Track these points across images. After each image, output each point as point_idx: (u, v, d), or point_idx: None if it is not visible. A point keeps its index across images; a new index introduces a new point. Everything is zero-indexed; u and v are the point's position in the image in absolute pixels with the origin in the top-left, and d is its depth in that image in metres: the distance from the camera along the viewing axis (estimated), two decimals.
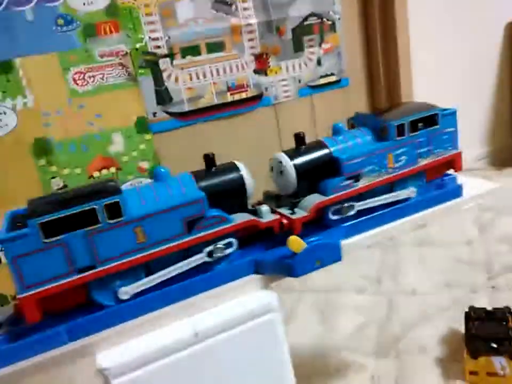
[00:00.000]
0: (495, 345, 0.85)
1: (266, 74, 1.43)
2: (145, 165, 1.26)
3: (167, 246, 0.52)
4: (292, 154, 0.63)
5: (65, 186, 1.19)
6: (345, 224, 0.65)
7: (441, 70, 1.80)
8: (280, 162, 0.62)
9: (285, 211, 0.62)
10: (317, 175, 0.63)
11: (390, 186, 0.68)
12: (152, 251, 0.51)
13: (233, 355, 0.52)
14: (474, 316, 0.95)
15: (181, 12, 1.26)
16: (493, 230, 1.43)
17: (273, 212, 0.61)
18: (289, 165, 0.61)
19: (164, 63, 1.25)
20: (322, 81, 1.56)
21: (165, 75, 1.26)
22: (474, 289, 1.17)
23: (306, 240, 0.57)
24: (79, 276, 0.49)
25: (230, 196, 0.58)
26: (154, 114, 1.26)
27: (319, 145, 0.65)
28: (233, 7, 1.33)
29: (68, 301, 0.51)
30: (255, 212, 0.59)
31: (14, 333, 0.50)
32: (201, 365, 0.50)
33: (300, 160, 0.62)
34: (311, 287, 1.28)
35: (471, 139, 1.96)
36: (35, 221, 0.46)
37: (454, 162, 0.73)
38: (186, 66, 1.29)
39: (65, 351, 0.49)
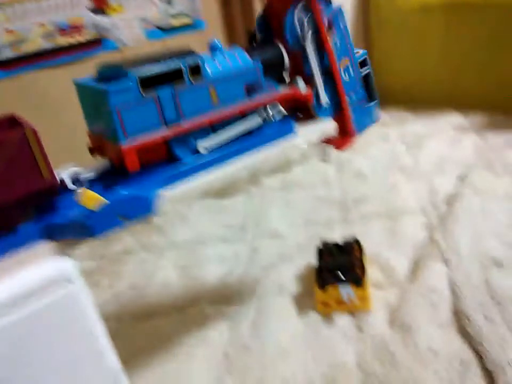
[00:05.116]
0: (340, 275, 0.89)
1: (105, 14, 1.27)
2: None
3: (233, 107, 0.61)
4: None
5: None
6: (165, 175, 0.58)
7: None
8: None
9: None
10: None
11: None
12: (222, 111, 0.60)
13: (23, 344, 0.43)
14: (325, 250, 0.99)
15: None
16: (349, 167, 1.50)
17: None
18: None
19: None
20: (174, 23, 1.44)
21: None
22: (330, 225, 1.22)
23: (115, 192, 0.50)
24: (167, 128, 0.55)
25: (272, 68, 0.67)
26: None
27: None
28: None
29: (153, 156, 0.57)
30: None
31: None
32: None
33: None
34: (174, 243, 1.23)
35: None
36: (135, 75, 0.51)
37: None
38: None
39: None
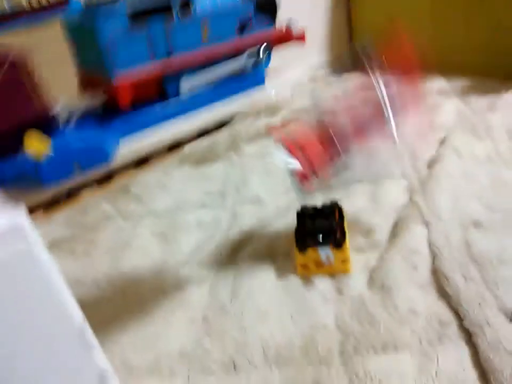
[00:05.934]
0: (319, 237, 0.88)
1: None
2: None
3: (223, 45, 0.59)
4: None
5: None
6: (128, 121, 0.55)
7: None
8: None
9: None
10: None
11: None
12: (212, 49, 0.58)
13: None
14: (305, 214, 0.97)
15: None
16: None
17: None
18: None
19: None
20: None
21: None
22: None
23: (70, 140, 0.47)
24: (159, 62, 0.53)
25: (265, 9, 0.68)
26: None
27: None
28: None
29: (144, 93, 0.55)
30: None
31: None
32: None
33: None
34: (152, 210, 1.20)
35: (311, 49, 1.97)
36: (124, 10, 0.48)
37: None
38: None
39: None
